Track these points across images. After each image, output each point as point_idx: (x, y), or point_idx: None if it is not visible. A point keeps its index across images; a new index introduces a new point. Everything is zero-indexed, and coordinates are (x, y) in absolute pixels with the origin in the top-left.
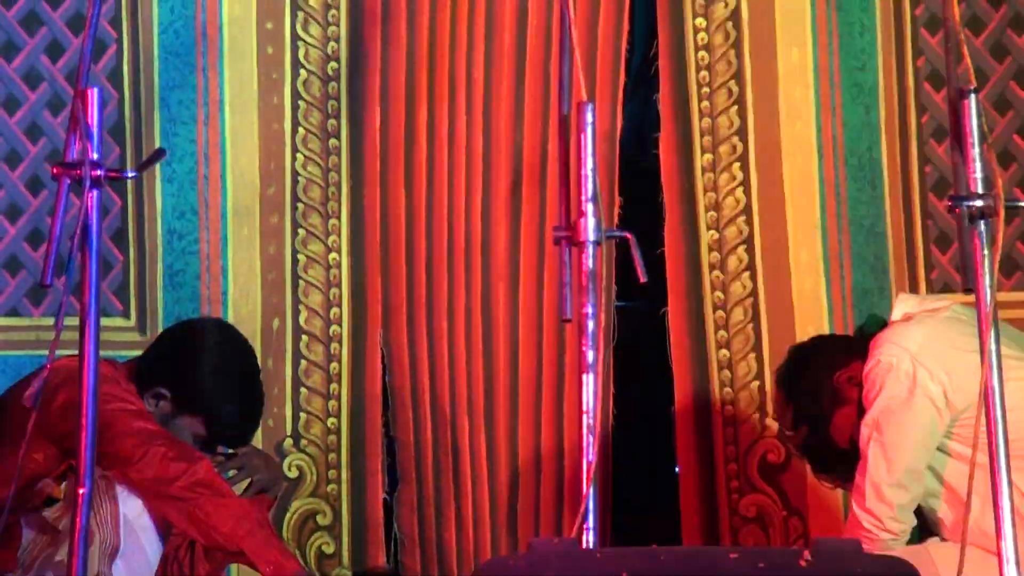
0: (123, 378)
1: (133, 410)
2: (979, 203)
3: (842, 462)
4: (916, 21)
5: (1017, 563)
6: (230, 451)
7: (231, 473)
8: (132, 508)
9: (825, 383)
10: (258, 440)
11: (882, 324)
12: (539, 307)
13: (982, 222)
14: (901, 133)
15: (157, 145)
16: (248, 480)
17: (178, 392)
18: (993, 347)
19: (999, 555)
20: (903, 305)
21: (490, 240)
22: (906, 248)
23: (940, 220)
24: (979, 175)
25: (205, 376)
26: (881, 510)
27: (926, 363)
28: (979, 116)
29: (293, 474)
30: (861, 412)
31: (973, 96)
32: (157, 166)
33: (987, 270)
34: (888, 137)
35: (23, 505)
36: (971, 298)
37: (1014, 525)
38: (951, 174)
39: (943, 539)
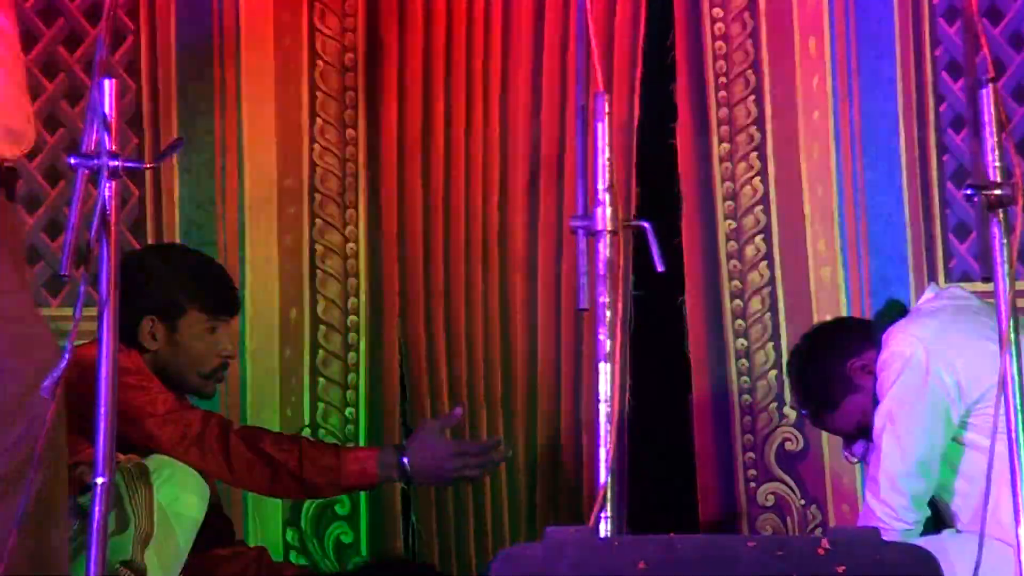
0: (140, 364)
1: (160, 399)
2: (997, 192)
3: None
4: (934, 10)
5: None
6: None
7: None
8: (166, 495)
9: (838, 369)
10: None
11: (901, 310)
12: (557, 297)
13: (1001, 211)
14: (919, 122)
15: (174, 136)
16: None
17: (161, 310)
18: (1012, 336)
19: (1017, 542)
20: (925, 295)
21: (507, 229)
22: (924, 237)
23: (958, 209)
24: (997, 164)
25: (168, 278)
26: (896, 500)
27: (940, 353)
28: (997, 105)
29: None
30: (873, 401)
31: (991, 85)
32: (175, 157)
33: (1005, 259)
34: (906, 126)
35: None
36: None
37: None
38: (969, 163)
39: (958, 531)
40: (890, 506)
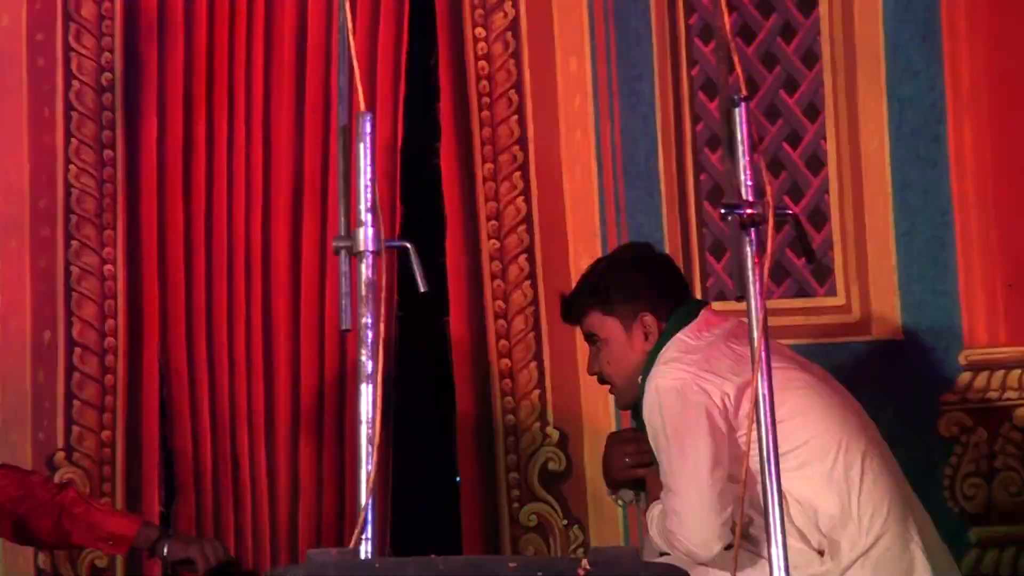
0: None
1: None
2: (750, 211)
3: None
4: (690, 30)
5: (786, 568)
6: None
7: None
8: None
9: (633, 303)
10: (28, 454)
11: (694, 311)
12: (320, 317)
13: (753, 230)
14: (677, 142)
15: None
16: None
17: None
18: (763, 355)
19: (769, 560)
20: (699, 319)
21: (270, 250)
22: (683, 256)
23: (714, 228)
24: (750, 183)
25: None
26: (695, 534)
27: (706, 377)
28: (750, 124)
29: None
30: (650, 448)
31: (744, 104)
32: None
33: (758, 277)
34: (664, 146)
35: None
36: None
37: (783, 531)
38: (725, 182)
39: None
40: (690, 541)
